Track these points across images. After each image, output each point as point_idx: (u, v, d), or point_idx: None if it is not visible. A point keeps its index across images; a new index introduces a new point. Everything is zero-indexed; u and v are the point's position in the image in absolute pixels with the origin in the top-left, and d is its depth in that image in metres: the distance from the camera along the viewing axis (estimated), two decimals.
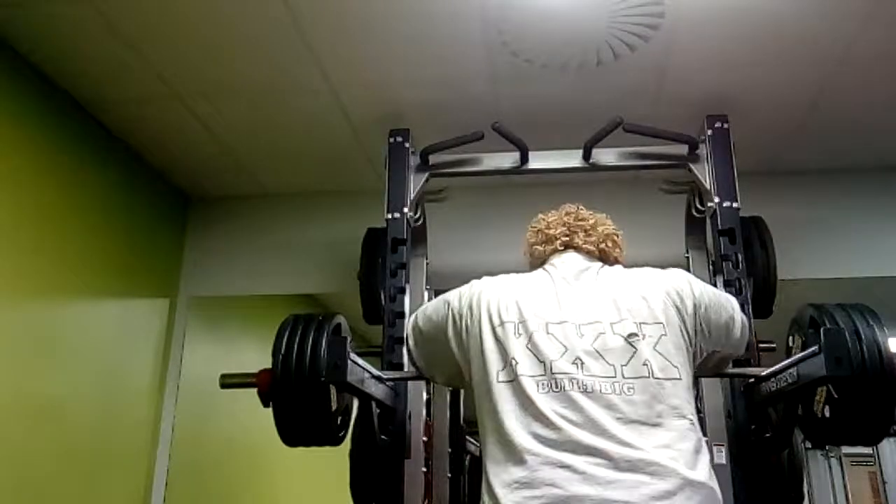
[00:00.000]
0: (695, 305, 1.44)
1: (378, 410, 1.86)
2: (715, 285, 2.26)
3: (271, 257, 3.18)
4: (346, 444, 1.93)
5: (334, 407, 1.68)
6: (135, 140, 2.84)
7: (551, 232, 1.58)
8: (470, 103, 2.54)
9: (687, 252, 2.56)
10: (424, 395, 2.25)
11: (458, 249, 2.92)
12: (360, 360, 1.64)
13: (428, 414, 2.46)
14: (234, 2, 2.06)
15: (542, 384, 1.29)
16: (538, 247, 1.61)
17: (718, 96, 2.43)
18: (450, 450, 2.70)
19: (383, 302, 2.27)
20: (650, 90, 2.47)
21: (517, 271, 1.57)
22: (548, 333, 1.35)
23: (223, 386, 1.74)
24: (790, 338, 1.81)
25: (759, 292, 2.29)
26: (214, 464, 3.13)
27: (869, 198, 2.97)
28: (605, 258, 1.56)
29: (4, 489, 2.12)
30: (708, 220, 2.31)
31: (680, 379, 1.33)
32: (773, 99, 2.53)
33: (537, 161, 2.40)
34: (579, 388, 1.27)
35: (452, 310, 1.50)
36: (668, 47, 2.25)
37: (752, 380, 1.89)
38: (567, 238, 1.56)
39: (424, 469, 2.22)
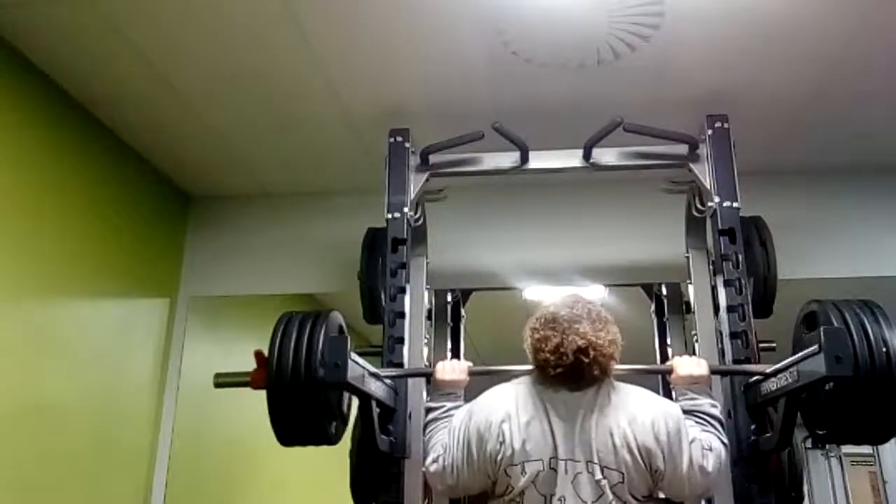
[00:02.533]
0: (655, 467, 1.56)
1: (378, 410, 1.85)
2: (715, 285, 2.26)
3: (271, 257, 3.19)
4: (347, 443, 1.93)
5: (331, 406, 1.68)
6: (135, 140, 2.84)
7: (541, 356, 1.63)
8: (470, 103, 2.54)
9: (687, 252, 2.55)
10: (424, 395, 2.25)
11: (458, 249, 2.92)
12: (359, 359, 1.64)
13: None
14: (235, 2, 2.06)
15: None
16: (532, 354, 1.68)
17: (718, 95, 2.43)
18: None
19: (383, 301, 2.27)
20: (650, 89, 2.47)
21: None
22: (546, 471, 1.54)
23: (217, 385, 1.74)
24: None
25: (759, 292, 2.30)
26: (214, 464, 3.13)
27: (869, 198, 2.97)
28: (591, 379, 1.62)
29: (4, 489, 2.11)
30: (708, 220, 2.30)
31: None
32: (773, 98, 2.53)
33: (537, 161, 2.40)
34: None
35: (488, 463, 1.61)
36: (668, 47, 2.25)
37: (753, 379, 1.89)
38: (559, 365, 1.60)
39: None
